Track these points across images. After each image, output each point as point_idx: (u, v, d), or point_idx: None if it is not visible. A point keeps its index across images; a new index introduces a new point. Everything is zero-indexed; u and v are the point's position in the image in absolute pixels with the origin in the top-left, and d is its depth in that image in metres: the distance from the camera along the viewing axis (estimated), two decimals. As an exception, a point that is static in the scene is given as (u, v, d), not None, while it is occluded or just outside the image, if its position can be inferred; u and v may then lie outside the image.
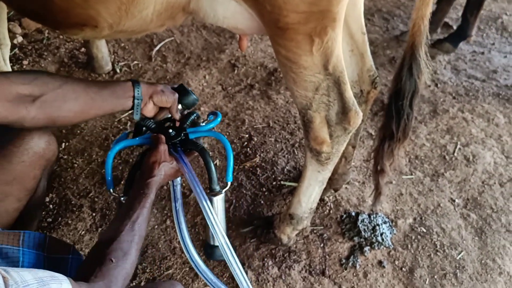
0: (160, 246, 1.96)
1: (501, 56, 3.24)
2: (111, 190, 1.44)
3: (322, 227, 2.04)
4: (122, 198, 1.43)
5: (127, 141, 1.49)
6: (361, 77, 1.71)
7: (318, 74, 1.44)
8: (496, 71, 3.08)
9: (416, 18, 1.47)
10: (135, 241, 1.13)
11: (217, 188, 1.47)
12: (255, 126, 2.50)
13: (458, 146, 2.47)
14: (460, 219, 2.11)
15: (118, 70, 2.82)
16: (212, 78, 2.84)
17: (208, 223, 1.33)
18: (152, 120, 1.48)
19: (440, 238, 2.03)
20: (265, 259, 1.92)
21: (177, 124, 1.51)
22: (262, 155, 2.33)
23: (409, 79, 1.59)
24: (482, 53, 3.26)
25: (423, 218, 2.11)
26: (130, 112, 1.44)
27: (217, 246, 1.38)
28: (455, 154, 2.43)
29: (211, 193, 1.47)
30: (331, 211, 2.10)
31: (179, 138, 1.46)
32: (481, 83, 2.96)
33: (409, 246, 1.99)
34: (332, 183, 2.03)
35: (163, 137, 1.41)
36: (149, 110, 1.44)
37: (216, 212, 1.44)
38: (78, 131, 2.41)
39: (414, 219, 2.11)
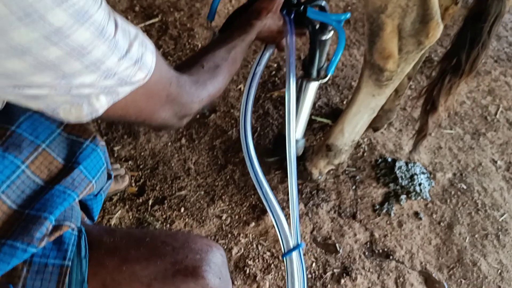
0: (172, 164, 1.72)
1: (543, 30, 3.03)
2: (210, 21, 1.35)
3: (354, 169, 1.83)
4: (217, 33, 1.33)
5: None
6: (440, -10, 1.46)
7: (402, -33, 1.19)
8: (539, 43, 2.87)
9: None
10: (229, 61, 0.97)
11: (314, 74, 1.39)
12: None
13: (500, 109, 2.27)
14: (502, 181, 1.92)
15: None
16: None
17: (286, 108, 1.14)
18: None
19: (482, 197, 1.83)
20: (290, 194, 1.70)
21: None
22: (292, 86, 2.09)
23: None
24: (524, 23, 3.04)
25: (463, 174, 1.91)
26: None
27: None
28: (497, 116, 2.23)
29: (306, 77, 1.39)
30: (365, 154, 1.88)
31: (297, 9, 1.33)
32: (523, 52, 2.76)
33: (448, 201, 1.79)
34: (374, 121, 1.80)
35: None
36: None
37: (303, 99, 1.39)
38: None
39: (454, 174, 1.90)
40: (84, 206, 0.98)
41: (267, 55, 1.30)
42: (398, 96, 1.75)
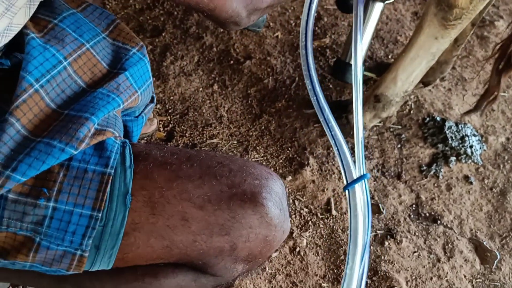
0: (204, 111, 1.59)
1: None
2: None
3: (400, 127, 1.68)
4: None
5: None
6: None
7: None
8: None
9: None
10: None
11: None
12: (325, 7, 2.07)
13: (557, 75, 2.08)
14: (560, 149, 1.76)
15: None
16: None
17: (354, 28, 1.02)
18: None
19: (538, 164, 1.68)
20: (331, 149, 1.56)
21: None
22: (333, 36, 1.93)
23: None
24: None
25: (517, 140, 1.75)
26: None
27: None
28: (553, 82, 2.04)
29: None
30: (411, 112, 1.73)
31: None
32: None
33: (501, 166, 1.64)
34: (426, 74, 1.64)
35: None
36: None
37: (367, 22, 1.33)
38: (115, -30, 1.97)
39: (507, 139, 1.74)
40: (124, 127, 0.87)
41: None
42: (457, 46, 1.58)
